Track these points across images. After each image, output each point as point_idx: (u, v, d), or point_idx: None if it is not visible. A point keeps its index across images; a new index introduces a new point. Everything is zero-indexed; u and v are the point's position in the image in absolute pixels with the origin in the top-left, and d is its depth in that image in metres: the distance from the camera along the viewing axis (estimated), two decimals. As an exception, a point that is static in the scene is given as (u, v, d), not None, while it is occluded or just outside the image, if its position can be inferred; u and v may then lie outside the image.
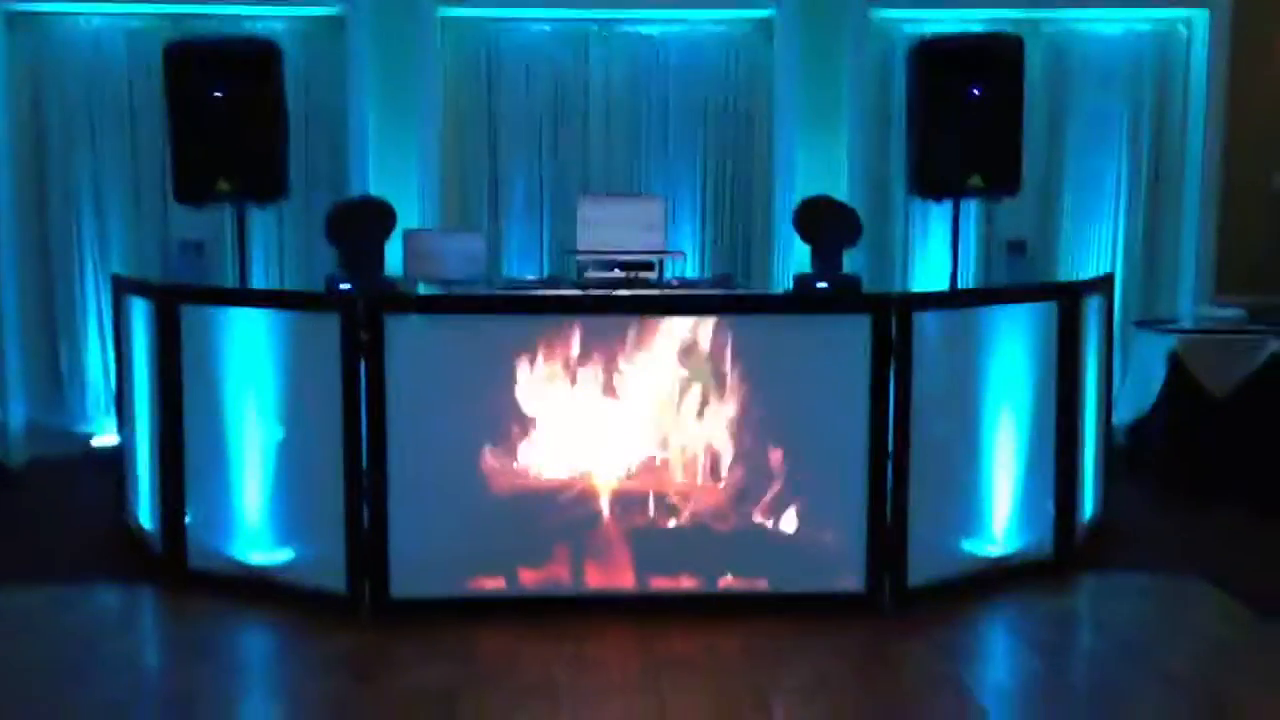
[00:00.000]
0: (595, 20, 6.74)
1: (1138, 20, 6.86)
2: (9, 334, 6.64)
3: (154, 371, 4.63)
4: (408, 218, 6.31)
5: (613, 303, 4.59)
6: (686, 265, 6.65)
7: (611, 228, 5.91)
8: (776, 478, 4.29)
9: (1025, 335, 4.57)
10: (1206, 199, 6.82)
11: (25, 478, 6.33)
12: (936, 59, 5.93)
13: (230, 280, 6.27)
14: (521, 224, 6.78)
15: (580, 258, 6.03)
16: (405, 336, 4.19)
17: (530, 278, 6.51)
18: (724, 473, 4.32)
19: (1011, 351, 4.54)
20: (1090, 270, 6.79)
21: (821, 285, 5.93)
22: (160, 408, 4.57)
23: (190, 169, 5.73)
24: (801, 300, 4.70)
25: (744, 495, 4.31)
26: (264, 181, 5.81)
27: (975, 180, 5.87)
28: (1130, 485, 5.78)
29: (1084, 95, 6.88)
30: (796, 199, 6.32)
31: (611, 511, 4.29)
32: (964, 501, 4.51)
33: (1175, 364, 5.88)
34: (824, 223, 6.01)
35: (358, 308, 4.18)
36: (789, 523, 4.31)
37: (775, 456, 4.29)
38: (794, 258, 6.48)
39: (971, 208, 6.60)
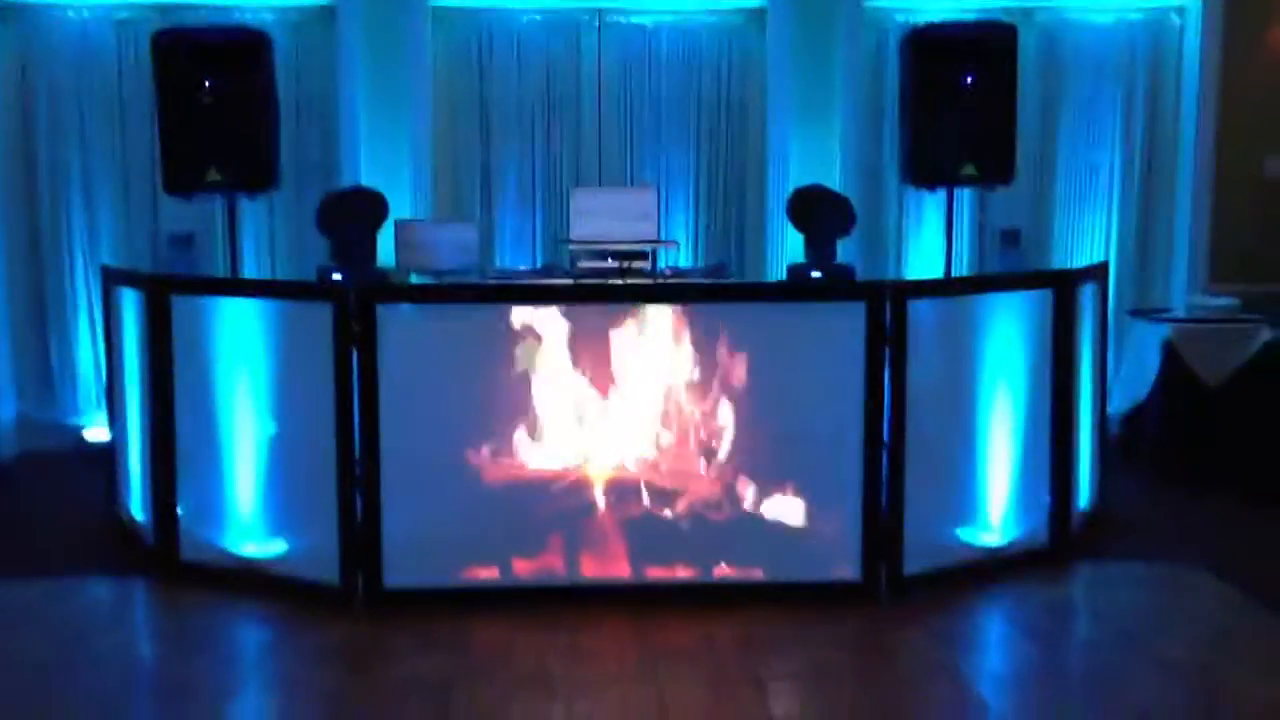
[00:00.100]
0: (587, 10, 6.70)
1: (1130, 9, 6.84)
2: (-1, 327, 6.63)
3: (145, 362, 4.60)
4: (399, 208, 6.28)
5: (606, 292, 4.57)
6: (680, 255, 6.63)
7: (604, 218, 5.89)
8: (772, 467, 4.28)
9: (1020, 323, 4.56)
10: (1199, 188, 6.81)
11: (15, 472, 6.30)
12: (929, 47, 5.91)
13: (221, 272, 6.24)
14: (514, 214, 6.75)
15: (573, 248, 6.01)
16: (397, 326, 4.17)
17: (523, 268, 6.48)
18: (719, 462, 4.30)
19: (1006, 339, 4.52)
20: (1084, 259, 6.78)
21: (815, 275, 5.91)
22: (151, 399, 4.55)
23: (180, 159, 5.69)
24: (796, 288, 4.68)
25: (739, 484, 4.29)
26: (254, 172, 5.77)
27: (969, 169, 5.85)
28: (1125, 474, 5.77)
29: (1077, 84, 6.87)
30: (790, 188, 6.31)
31: (606, 501, 4.27)
32: (960, 490, 4.50)
33: (1169, 353, 5.87)
34: (818, 212, 6.00)
35: (349, 297, 4.16)
36: (785, 512, 4.29)
37: (770, 445, 4.28)
38: (787, 247, 6.46)
39: (965, 197, 6.58)
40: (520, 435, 4.26)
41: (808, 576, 4.31)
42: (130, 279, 4.84)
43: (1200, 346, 5.86)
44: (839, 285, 4.52)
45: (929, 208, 6.72)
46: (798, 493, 4.28)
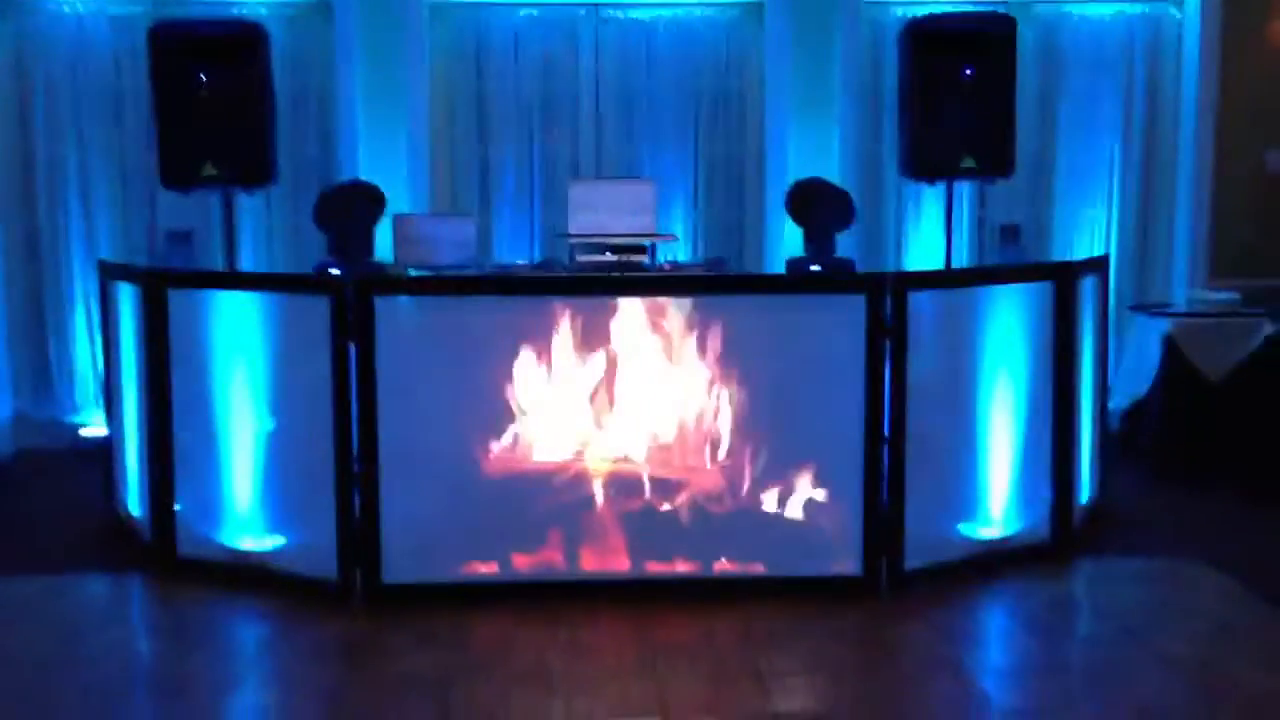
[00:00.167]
0: (584, 5, 6.68)
1: (1128, 2, 6.82)
2: (-4, 325, 6.61)
3: (142, 357, 4.58)
4: (397, 203, 6.26)
5: (604, 283, 4.54)
6: (679, 249, 6.61)
7: (602, 211, 5.86)
8: (772, 460, 4.26)
9: (1021, 315, 4.54)
10: (1199, 182, 6.80)
11: (13, 470, 6.27)
12: (928, 39, 5.88)
13: (219, 268, 6.21)
14: (512, 209, 6.73)
15: (571, 241, 5.99)
16: (395, 319, 4.15)
17: (521, 263, 6.46)
18: (719, 455, 4.29)
19: (1007, 332, 4.51)
20: (1084, 254, 6.75)
21: (815, 269, 5.89)
22: (148, 394, 4.53)
23: (176, 154, 5.67)
24: (796, 280, 4.66)
25: (739, 478, 4.27)
26: (251, 166, 5.75)
27: (968, 162, 5.83)
28: (1125, 470, 5.75)
29: (1076, 79, 6.85)
30: (788, 182, 6.29)
31: (606, 495, 4.25)
32: (961, 484, 4.49)
33: (1170, 348, 5.85)
34: (817, 206, 5.97)
35: (347, 290, 4.14)
36: (785, 506, 4.27)
37: (770, 439, 4.26)
38: (786, 242, 6.44)
39: (964, 192, 6.56)
40: (519, 428, 4.24)
41: (808, 571, 4.29)
42: (127, 273, 4.82)
43: (1201, 341, 5.85)
44: (839, 277, 4.51)
45: (928, 202, 6.70)
46: (798, 486, 4.26)
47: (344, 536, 4.20)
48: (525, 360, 4.21)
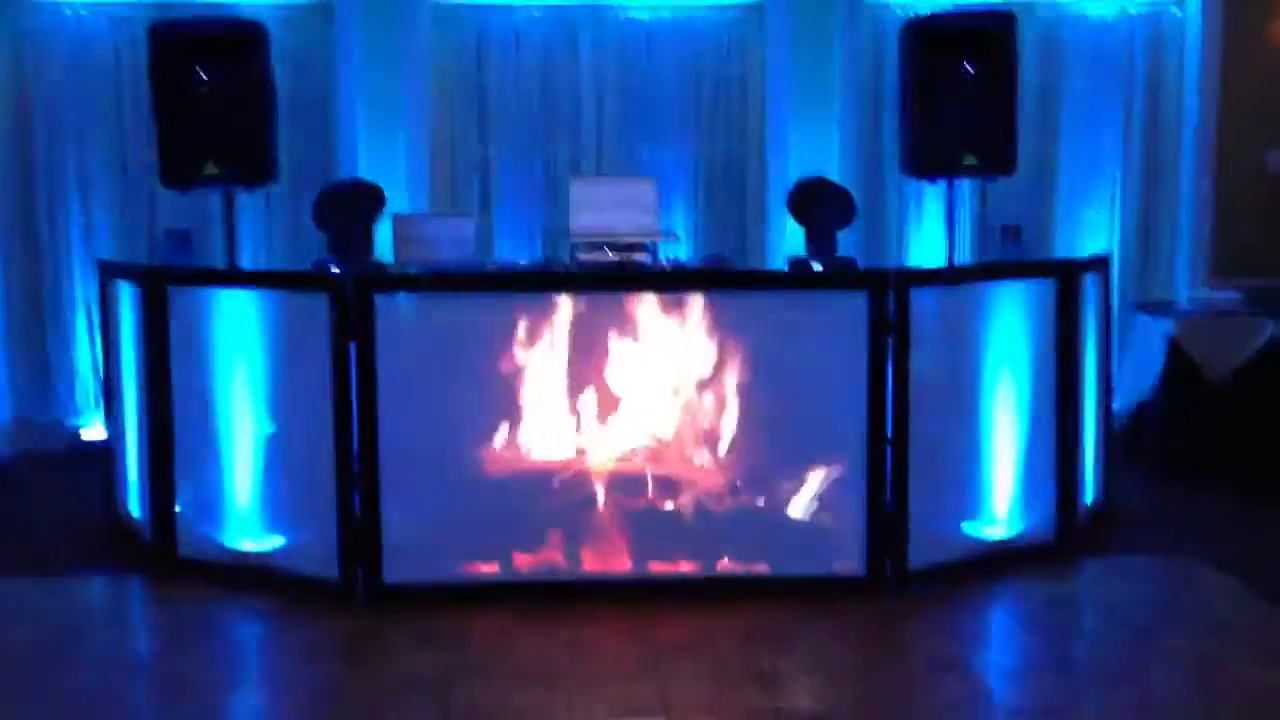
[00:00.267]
0: (585, 6, 6.66)
1: (1130, 2, 6.80)
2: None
3: (142, 356, 4.56)
4: (397, 202, 6.23)
5: (605, 280, 4.52)
6: (680, 249, 6.58)
7: (603, 210, 5.83)
8: (775, 459, 4.24)
9: (1024, 313, 4.52)
10: (1201, 182, 6.78)
11: (12, 472, 6.23)
12: (929, 37, 5.85)
13: (219, 267, 6.18)
14: (512, 209, 6.71)
15: (572, 240, 5.96)
16: (395, 317, 4.14)
17: (522, 262, 6.43)
18: (721, 454, 4.27)
19: (1010, 330, 4.49)
20: (1085, 254, 6.73)
21: (816, 267, 5.86)
22: (148, 393, 4.51)
23: (176, 152, 5.63)
24: (798, 277, 4.64)
25: (742, 477, 4.26)
26: (252, 165, 5.71)
27: (969, 159, 5.80)
28: (1129, 470, 5.72)
29: (1077, 78, 6.82)
30: (789, 181, 6.26)
31: (607, 494, 4.24)
32: (964, 484, 4.47)
33: (1173, 348, 5.83)
34: (818, 204, 5.94)
35: (347, 288, 4.12)
36: (788, 505, 4.25)
37: (773, 437, 4.24)
38: (787, 241, 6.42)
39: (965, 192, 6.54)
40: (520, 427, 4.23)
41: (812, 571, 4.27)
42: (126, 271, 4.80)
43: (1204, 341, 5.82)
44: (842, 274, 4.48)
45: (929, 202, 6.68)
46: (801, 485, 4.23)
47: (345, 536, 4.18)
48: (526, 358, 4.19)
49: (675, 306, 4.22)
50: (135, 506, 4.82)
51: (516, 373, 4.19)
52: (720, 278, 4.56)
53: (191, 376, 4.41)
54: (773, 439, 4.25)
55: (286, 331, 4.27)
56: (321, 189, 6.07)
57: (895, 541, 4.25)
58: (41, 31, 6.54)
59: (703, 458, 4.29)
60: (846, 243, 6.17)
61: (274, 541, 4.37)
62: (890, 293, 4.17)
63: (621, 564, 4.23)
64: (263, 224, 6.60)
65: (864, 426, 4.19)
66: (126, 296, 4.73)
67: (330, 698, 3.53)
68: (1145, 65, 6.86)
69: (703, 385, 4.25)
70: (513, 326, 4.18)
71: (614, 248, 5.56)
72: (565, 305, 4.19)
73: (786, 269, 6.08)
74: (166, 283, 4.45)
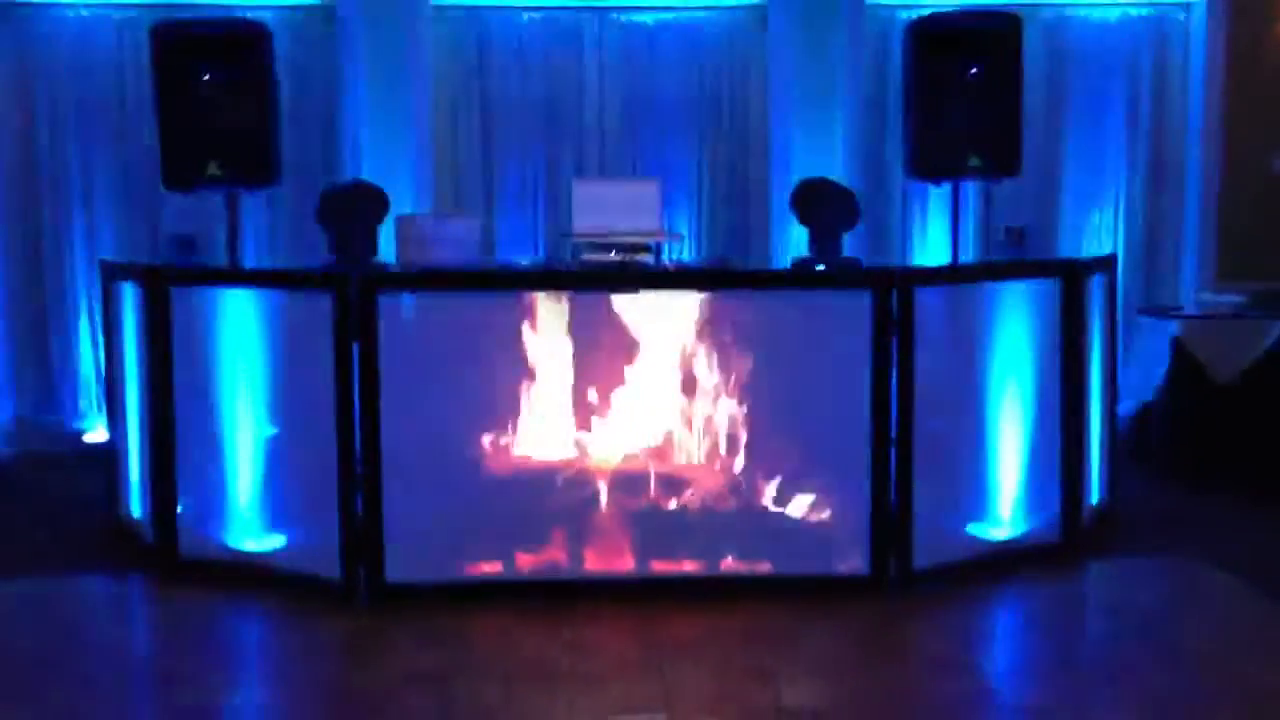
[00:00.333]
0: (588, 9, 6.66)
1: (1134, 5, 6.80)
2: (-1, 330, 6.59)
3: (144, 356, 4.55)
4: (401, 204, 6.22)
5: (609, 279, 4.50)
6: (684, 251, 6.57)
7: (607, 211, 5.81)
8: (778, 458, 4.22)
9: (1029, 313, 4.50)
10: (1206, 185, 6.77)
11: (15, 473, 6.23)
12: (933, 38, 5.84)
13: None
14: (516, 211, 6.71)
15: (575, 241, 5.95)
16: (398, 315, 4.12)
17: (524, 263, 6.42)
18: (724, 453, 4.25)
19: (1015, 329, 4.47)
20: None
21: (820, 268, 5.85)
22: (150, 393, 4.50)
23: (179, 154, 5.63)
24: (802, 276, 4.62)
25: (746, 476, 4.24)
26: (255, 166, 5.70)
27: (974, 160, 5.78)
28: (1134, 473, 5.71)
29: (1081, 81, 6.83)
30: (793, 183, 6.25)
31: (610, 493, 4.22)
32: (969, 483, 4.45)
33: (1178, 350, 5.81)
34: (822, 205, 5.93)
35: (350, 286, 4.10)
36: (791, 504, 4.24)
37: (777, 436, 4.22)
38: (791, 243, 6.41)
39: (970, 194, 6.53)
40: (523, 426, 4.21)
41: (815, 570, 4.26)
42: (129, 271, 4.79)
43: (1210, 342, 5.80)
44: (845, 273, 4.46)
45: (934, 203, 6.68)
46: (805, 485, 4.22)
47: (347, 535, 4.16)
48: (529, 357, 4.17)
49: (678, 306, 4.20)
50: (137, 507, 4.80)
51: (519, 372, 4.18)
52: (724, 277, 4.54)
53: (194, 376, 4.39)
54: (776, 438, 4.23)
55: (290, 331, 4.26)
56: (324, 190, 6.06)
57: (899, 541, 4.22)
58: (44, 33, 6.55)
59: (706, 457, 4.27)
60: (850, 245, 6.16)
61: (276, 541, 4.36)
62: (894, 292, 4.15)
63: (624, 563, 4.22)
64: (266, 226, 6.61)
65: (868, 426, 4.17)
66: (129, 297, 4.72)
67: (331, 696, 3.52)
68: (1150, 68, 6.86)
69: (706, 384, 4.23)
70: (516, 325, 4.16)
71: (617, 248, 5.55)
72: (568, 304, 4.17)
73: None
74: (169, 282, 4.43)
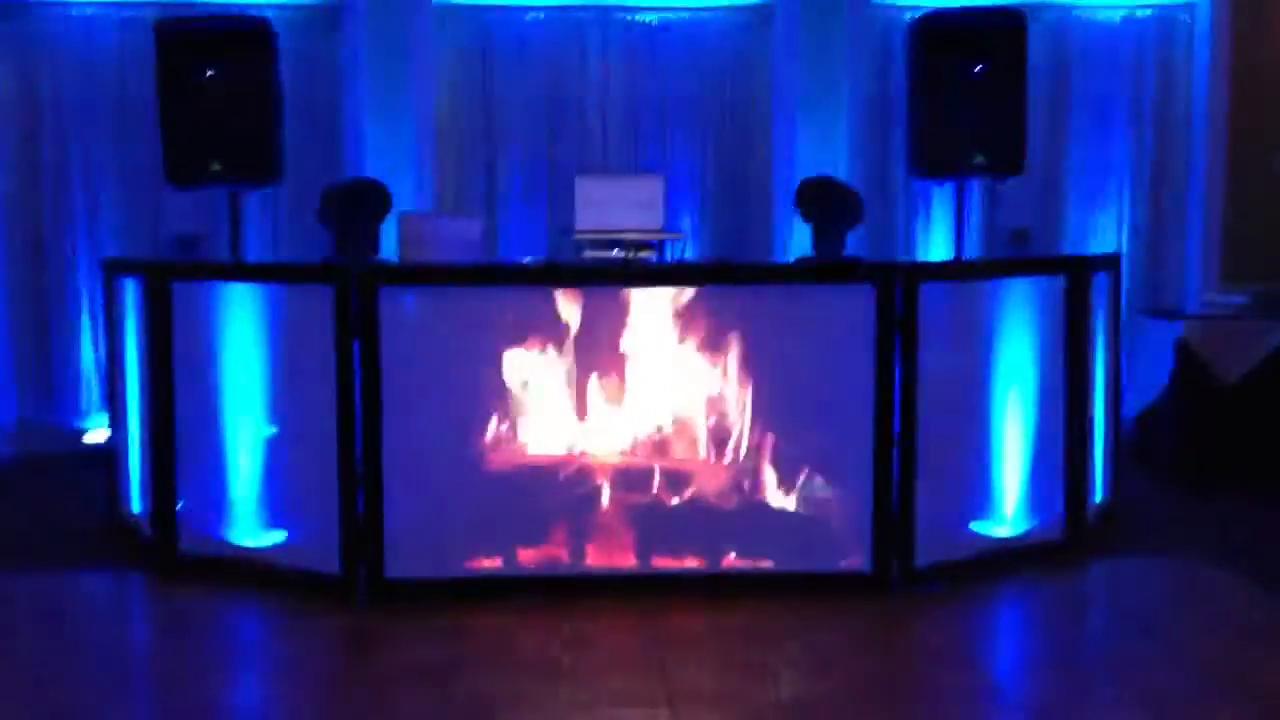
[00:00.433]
0: (591, 8, 6.66)
1: (1138, 6, 6.79)
2: (0, 329, 6.56)
3: (145, 352, 4.53)
4: (403, 202, 6.21)
5: (611, 275, 4.48)
6: (687, 250, 6.56)
7: (610, 207, 5.81)
8: (781, 454, 4.20)
9: (1034, 310, 4.48)
10: (1211, 187, 6.75)
11: (16, 473, 6.22)
12: (937, 37, 5.83)
13: (225, 267, 6.17)
14: (519, 210, 6.70)
15: (578, 237, 5.94)
16: (400, 311, 4.10)
17: (526, 261, 6.41)
18: (727, 449, 4.23)
19: (1020, 326, 4.45)
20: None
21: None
22: (151, 390, 4.48)
23: (182, 149, 5.63)
24: (805, 271, 4.59)
25: (748, 472, 4.22)
26: (258, 164, 5.70)
27: (978, 158, 5.77)
28: (1138, 474, 5.70)
29: (1085, 82, 6.81)
30: (796, 182, 6.24)
31: (611, 490, 4.20)
32: (973, 481, 4.42)
33: (1183, 351, 5.79)
34: (826, 203, 5.91)
35: (352, 280, 4.09)
36: (794, 501, 4.21)
37: (780, 432, 4.20)
38: (794, 243, 6.40)
39: (974, 195, 6.51)
40: (524, 422, 4.19)
41: (818, 567, 4.23)
42: (131, 267, 4.78)
43: (1215, 343, 5.79)
44: (848, 268, 4.44)
45: (937, 204, 6.66)
46: (808, 481, 4.20)
47: (347, 532, 4.14)
48: (532, 353, 4.16)
49: (680, 301, 4.18)
50: (136, 503, 4.79)
51: (521, 367, 4.16)
52: (726, 272, 4.53)
53: (195, 372, 4.38)
54: (779, 435, 4.21)
55: (291, 325, 4.25)
56: (326, 188, 6.05)
57: (902, 539, 4.20)
58: (47, 31, 6.55)
59: (709, 453, 4.25)
60: (853, 244, 6.14)
61: (275, 538, 4.34)
62: (898, 287, 4.13)
63: (625, 560, 4.19)
64: (269, 225, 6.60)
65: (871, 423, 4.15)
66: (131, 293, 4.71)
67: (330, 689, 3.50)
68: (1154, 67, 6.85)
69: (708, 381, 4.21)
70: (517, 320, 4.15)
71: (620, 245, 5.54)
72: (570, 300, 4.16)
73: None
74: (171, 277, 4.42)
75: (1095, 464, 4.84)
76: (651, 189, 5.96)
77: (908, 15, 6.54)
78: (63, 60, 6.55)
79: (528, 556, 4.18)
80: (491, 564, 4.18)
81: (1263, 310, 5.93)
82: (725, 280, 4.31)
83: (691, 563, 4.21)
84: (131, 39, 6.45)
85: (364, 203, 5.80)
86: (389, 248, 5.99)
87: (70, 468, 6.17)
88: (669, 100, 6.70)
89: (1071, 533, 4.61)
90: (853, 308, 4.13)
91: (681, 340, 4.20)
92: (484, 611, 4.01)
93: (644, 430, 4.25)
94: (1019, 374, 4.46)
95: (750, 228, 6.76)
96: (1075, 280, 4.55)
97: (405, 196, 6.30)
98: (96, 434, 6.39)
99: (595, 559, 4.18)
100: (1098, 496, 4.91)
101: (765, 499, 4.22)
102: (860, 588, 4.18)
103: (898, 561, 4.21)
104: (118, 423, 4.98)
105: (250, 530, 4.37)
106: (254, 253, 6.47)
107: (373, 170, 6.35)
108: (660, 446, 4.26)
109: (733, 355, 4.19)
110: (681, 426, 4.25)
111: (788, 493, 4.22)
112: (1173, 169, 6.88)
